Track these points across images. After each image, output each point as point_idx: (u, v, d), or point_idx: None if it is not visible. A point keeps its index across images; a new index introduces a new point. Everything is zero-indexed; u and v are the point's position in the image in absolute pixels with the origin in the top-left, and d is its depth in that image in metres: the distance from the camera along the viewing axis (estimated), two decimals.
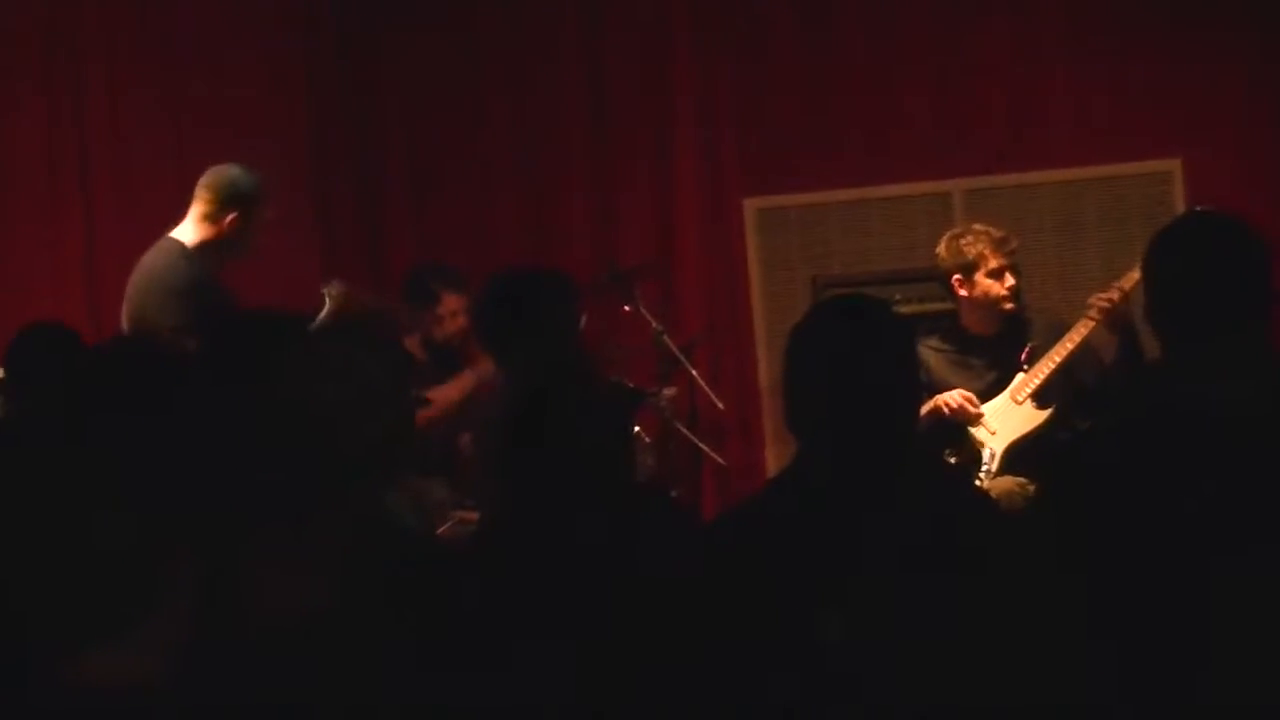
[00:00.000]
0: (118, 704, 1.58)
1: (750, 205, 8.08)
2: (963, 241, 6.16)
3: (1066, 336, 6.03)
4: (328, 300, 6.27)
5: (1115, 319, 5.87)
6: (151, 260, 6.00)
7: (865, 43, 8.10)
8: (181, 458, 1.66)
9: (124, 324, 6.02)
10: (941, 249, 6.22)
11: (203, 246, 6.00)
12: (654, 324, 7.35)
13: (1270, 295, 3.25)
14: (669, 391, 7.42)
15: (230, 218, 6.00)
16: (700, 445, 7.55)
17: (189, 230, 6.03)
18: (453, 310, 7.12)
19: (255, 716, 1.82)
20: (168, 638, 1.64)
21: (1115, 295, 5.86)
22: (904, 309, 7.30)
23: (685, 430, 7.48)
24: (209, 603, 1.66)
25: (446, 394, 6.50)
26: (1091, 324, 5.95)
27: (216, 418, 1.79)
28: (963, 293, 6.18)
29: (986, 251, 6.12)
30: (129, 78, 7.41)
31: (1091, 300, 5.98)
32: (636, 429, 6.91)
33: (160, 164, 7.36)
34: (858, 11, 8.12)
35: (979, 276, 6.13)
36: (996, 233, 6.19)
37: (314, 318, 5.72)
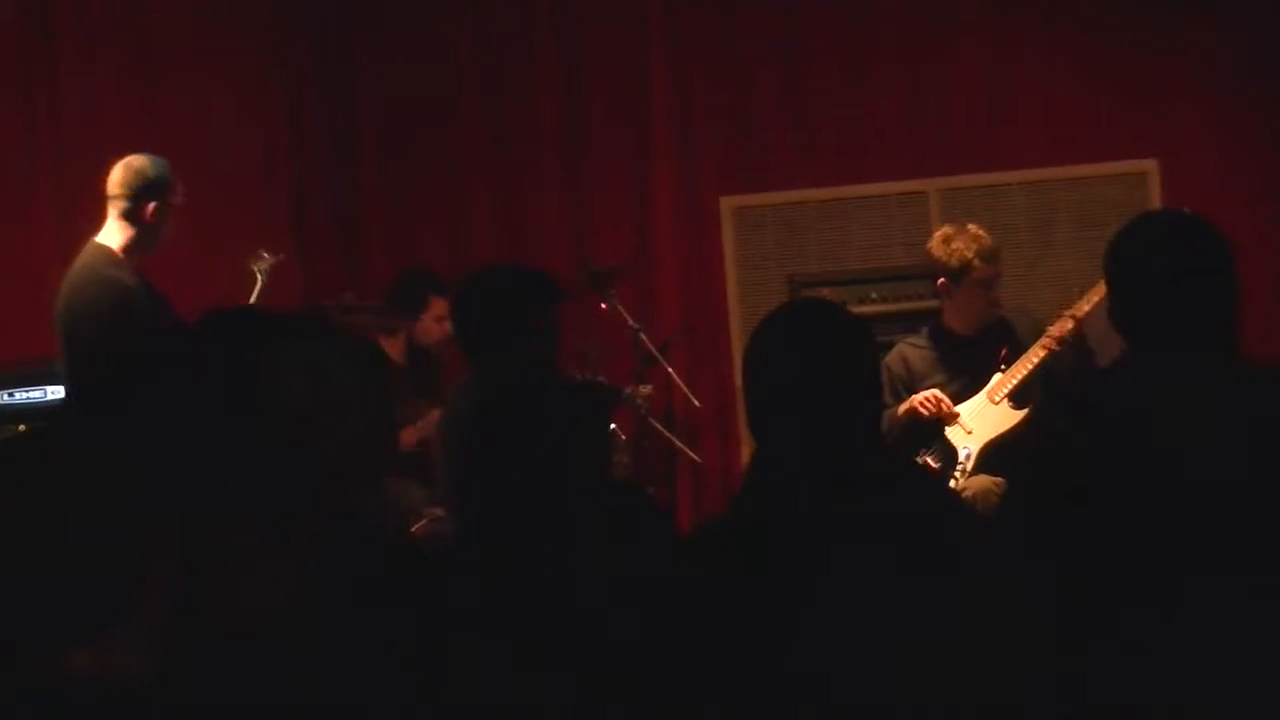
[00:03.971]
0: (99, 704, 1.57)
1: (726, 204, 8.08)
2: (953, 245, 6.16)
3: (1044, 337, 6.05)
4: (258, 275, 6.27)
5: (1069, 348, 5.94)
6: (81, 275, 5.86)
7: (841, 42, 8.11)
8: (161, 457, 1.66)
9: (58, 334, 5.89)
10: (933, 246, 6.24)
11: (130, 248, 5.90)
12: (630, 322, 7.35)
13: (1235, 293, 3.24)
14: (645, 390, 7.43)
15: (150, 208, 5.91)
16: (676, 443, 7.56)
17: (113, 233, 5.92)
18: (439, 315, 7.10)
19: (234, 716, 1.82)
20: (148, 638, 1.63)
21: (1069, 325, 5.93)
22: (879, 307, 7.34)
23: (661, 428, 7.49)
24: (189, 603, 1.65)
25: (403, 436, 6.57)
26: (1044, 352, 6.01)
27: (195, 417, 1.78)
28: (946, 295, 6.21)
29: (975, 262, 6.13)
30: (104, 82, 7.40)
31: (1048, 330, 6.03)
32: (613, 427, 6.93)
33: None
34: (833, 11, 8.12)
35: (963, 284, 6.15)
36: (987, 242, 6.19)
37: (292, 317, 5.71)
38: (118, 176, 5.94)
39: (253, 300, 6.26)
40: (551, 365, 4.98)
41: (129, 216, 5.90)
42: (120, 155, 7.25)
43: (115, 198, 5.92)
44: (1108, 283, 3.37)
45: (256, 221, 7.72)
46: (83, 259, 5.91)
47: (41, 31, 7.25)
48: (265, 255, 6.36)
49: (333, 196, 8.37)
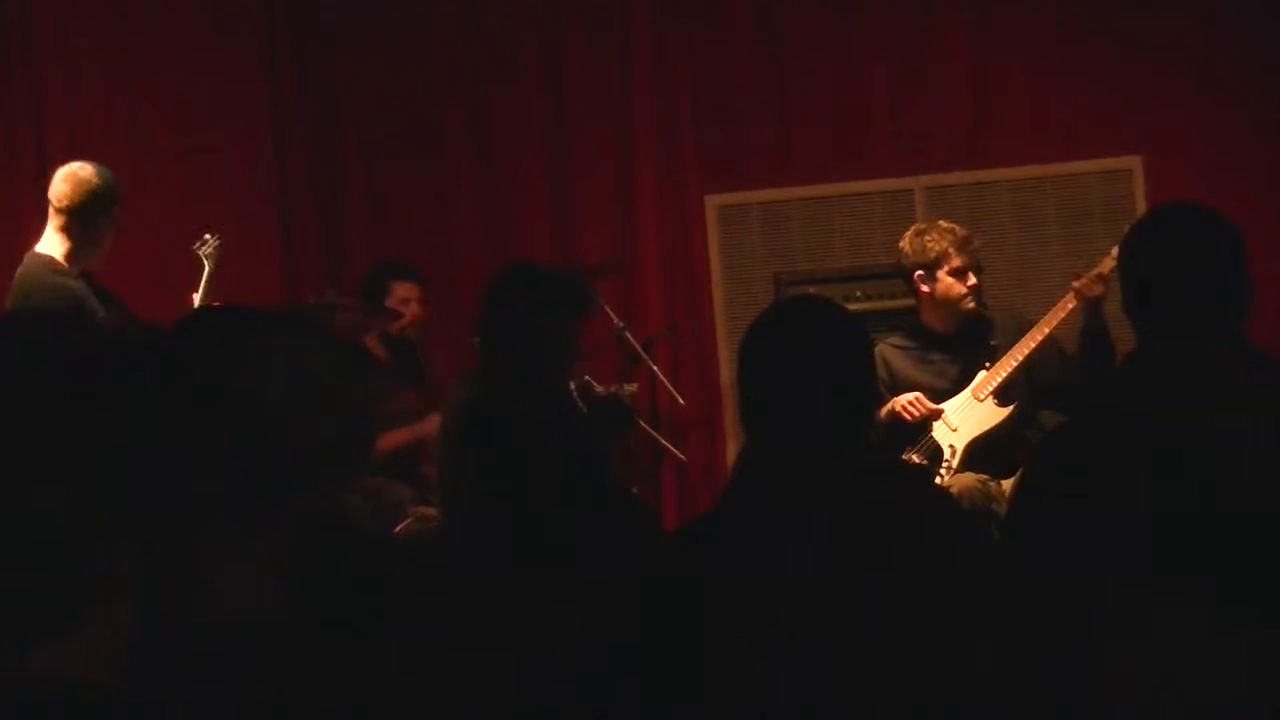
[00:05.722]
0: (61, 704, 1.55)
1: (712, 202, 8.07)
2: (927, 239, 6.16)
3: (1029, 334, 6.04)
4: (205, 261, 6.21)
5: (1093, 303, 5.82)
6: (23, 284, 5.72)
7: (825, 40, 8.11)
8: (126, 454, 1.64)
9: None
10: (905, 244, 6.22)
11: (71, 257, 5.74)
12: (615, 320, 7.34)
13: (1247, 289, 3.25)
14: (630, 388, 7.41)
15: (103, 221, 5.76)
16: (661, 441, 7.55)
17: (54, 244, 5.76)
18: (404, 299, 7.17)
19: (203, 717, 1.80)
20: (111, 638, 1.61)
21: (1097, 277, 5.81)
22: (864, 305, 7.32)
23: (647, 426, 7.47)
24: (154, 603, 1.63)
25: (390, 439, 6.55)
26: (1071, 304, 5.91)
27: (163, 414, 1.77)
28: (924, 289, 6.18)
29: (950, 250, 6.12)
30: (88, 79, 7.37)
31: (1074, 283, 5.93)
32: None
33: (119, 166, 7.30)
34: (817, 8, 8.12)
35: (941, 274, 6.13)
36: (960, 231, 6.19)
37: (271, 315, 5.69)
38: (63, 189, 5.76)
39: (203, 284, 6.14)
40: (557, 372, 4.92)
41: (70, 230, 5.73)
42: (103, 158, 7.22)
43: (60, 210, 5.74)
44: (1121, 278, 3.38)
45: (239, 221, 7.69)
46: (25, 270, 5.75)
47: (21, 30, 7.21)
48: (209, 238, 6.26)
49: (316, 195, 8.35)
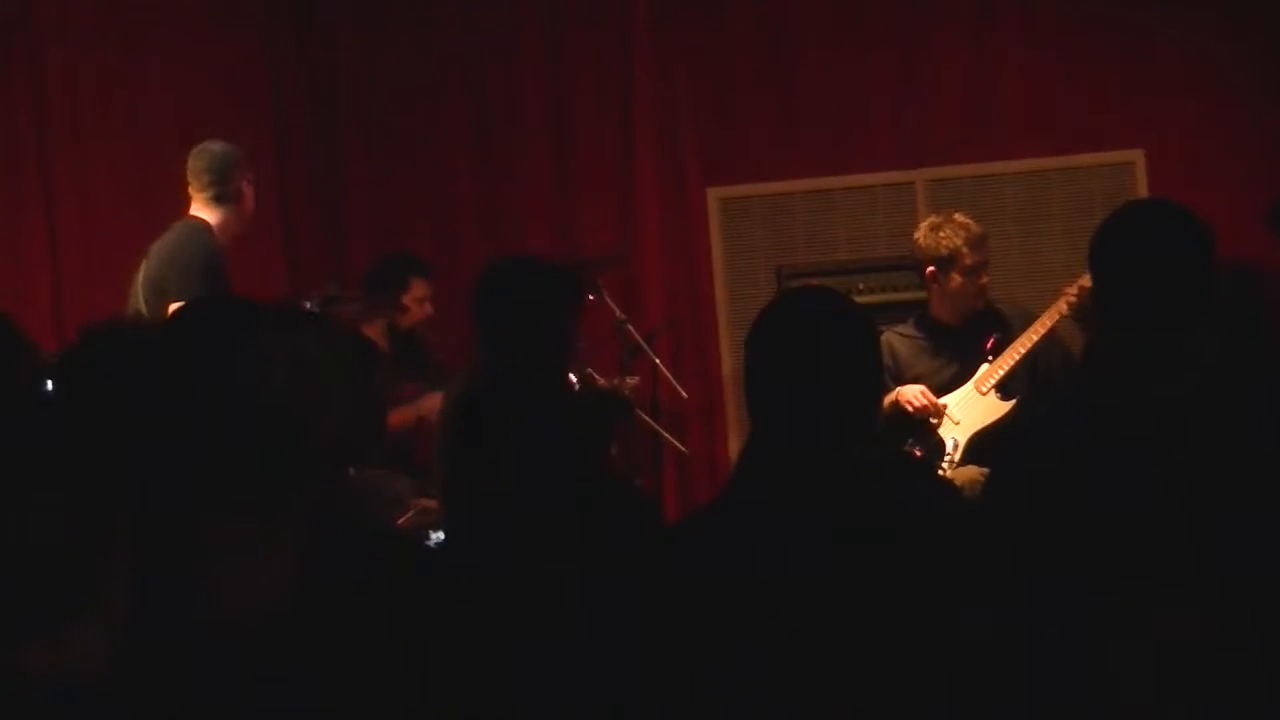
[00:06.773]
0: (55, 701, 1.55)
1: (714, 195, 8.06)
2: (941, 234, 6.15)
3: (1032, 327, 6.04)
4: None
5: (1084, 312, 5.84)
6: (181, 236, 6.05)
7: (827, 32, 8.09)
8: (127, 451, 1.64)
9: (139, 292, 6.01)
10: (920, 236, 6.22)
11: (223, 226, 6.10)
12: (617, 313, 7.34)
13: (1213, 278, 3.24)
14: (631, 380, 7.42)
15: (245, 184, 6.16)
16: (663, 434, 7.55)
17: (208, 212, 6.11)
18: (419, 297, 7.19)
19: (202, 716, 1.80)
20: (105, 635, 1.61)
21: (1086, 286, 5.82)
22: (866, 298, 7.32)
23: (648, 419, 7.47)
24: (148, 600, 1.63)
25: (392, 418, 6.58)
26: (1059, 314, 5.93)
27: (168, 410, 1.77)
28: (935, 284, 6.19)
29: (964, 247, 6.12)
30: (88, 72, 7.36)
31: (1062, 290, 5.97)
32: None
33: (121, 157, 7.31)
34: (819, 1, 8.10)
35: (953, 272, 6.14)
36: (975, 228, 6.18)
37: (274, 310, 5.71)
38: (202, 163, 6.12)
39: None
40: (551, 365, 4.90)
41: (222, 199, 6.11)
42: (105, 153, 7.23)
43: (207, 184, 6.10)
44: (1091, 270, 3.37)
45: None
46: (181, 226, 6.09)
47: (22, 29, 7.21)
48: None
49: (317, 192, 8.35)
